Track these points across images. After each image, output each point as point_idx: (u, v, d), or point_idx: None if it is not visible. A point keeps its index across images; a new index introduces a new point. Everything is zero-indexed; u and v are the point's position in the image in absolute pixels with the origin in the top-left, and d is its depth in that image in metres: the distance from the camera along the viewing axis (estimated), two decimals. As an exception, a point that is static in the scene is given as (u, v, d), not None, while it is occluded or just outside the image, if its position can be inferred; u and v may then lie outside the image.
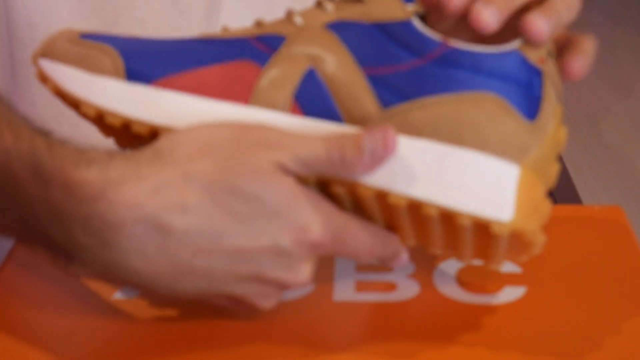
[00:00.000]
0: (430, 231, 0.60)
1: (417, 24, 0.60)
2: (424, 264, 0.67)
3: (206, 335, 0.60)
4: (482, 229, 0.58)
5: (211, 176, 0.56)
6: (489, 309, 0.63)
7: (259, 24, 0.62)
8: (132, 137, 0.61)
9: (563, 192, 1.18)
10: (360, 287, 0.65)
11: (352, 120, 0.59)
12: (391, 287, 0.65)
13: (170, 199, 0.55)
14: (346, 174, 0.58)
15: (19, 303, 0.64)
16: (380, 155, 0.57)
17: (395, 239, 0.61)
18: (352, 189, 0.58)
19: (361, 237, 0.59)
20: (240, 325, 0.61)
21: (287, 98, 0.60)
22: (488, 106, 0.58)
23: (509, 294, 0.64)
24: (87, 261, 0.56)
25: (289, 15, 0.62)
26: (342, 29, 0.61)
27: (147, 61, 0.60)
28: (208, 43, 0.61)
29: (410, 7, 0.61)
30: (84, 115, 0.61)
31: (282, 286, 0.58)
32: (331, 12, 0.61)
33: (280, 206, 0.56)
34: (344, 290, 0.65)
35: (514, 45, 0.59)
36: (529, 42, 0.59)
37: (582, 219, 0.69)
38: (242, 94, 0.60)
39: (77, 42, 0.62)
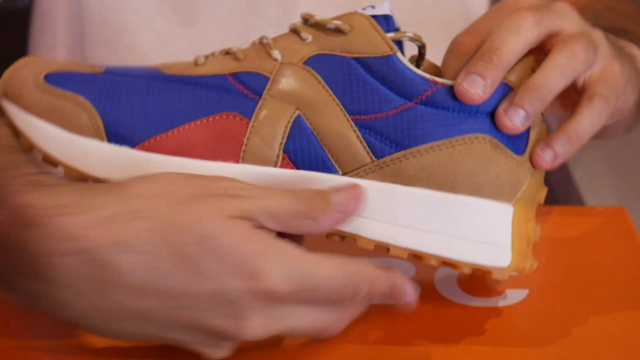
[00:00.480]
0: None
1: (401, 59, 0.59)
2: (425, 266, 0.66)
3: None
4: (482, 272, 0.60)
5: (162, 214, 0.53)
6: (491, 312, 0.62)
7: (234, 55, 0.61)
8: None
9: (566, 193, 1.18)
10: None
11: (346, 170, 0.59)
12: (392, 289, 0.64)
13: (113, 234, 0.52)
14: (314, 229, 0.56)
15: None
16: (348, 211, 0.56)
17: (391, 272, 0.57)
18: (353, 240, 0.59)
19: (339, 278, 0.55)
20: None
21: (277, 152, 0.59)
22: (480, 149, 0.59)
23: (512, 297, 0.64)
24: (21, 290, 0.54)
25: (266, 46, 0.60)
26: (323, 67, 0.60)
27: (127, 121, 0.59)
28: (185, 86, 0.59)
29: (392, 35, 0.60)
30: (66, 174, 0.59)
31: (227, 337, 0.54)
32: (310, 42, 0.60)
33: (232, 249, 0.52)
34: (344, 293, 0.64)
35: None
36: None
37: (585, 220, 0.68)
38: (232, 153, 0.59)
39: (46, 88, 0.59)
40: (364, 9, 0.61)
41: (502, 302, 0.63)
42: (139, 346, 0.59)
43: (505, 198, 0.59)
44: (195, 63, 0.61)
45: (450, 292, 0.64)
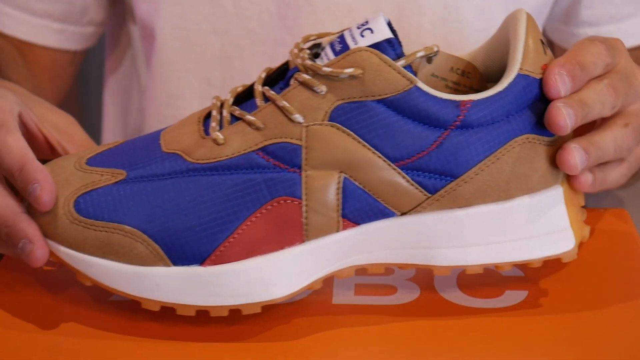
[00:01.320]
0: None
1: (423, 88, 0.58)
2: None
3: (205, 337, 0.60)
4: (551, 260, 0.62)
5: None
6: (490, 313, 0.62)
7: (253, 125, 0.59)
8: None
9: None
10: (360, 290, 0.64)
11: (404, 211, 0.60)
12: (391, 290, 0.64)
13: None
14: None
15: (17, 303, 0.63)
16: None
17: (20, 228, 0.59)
18: (430, 271, 0.61)
19: None
20: (239, 326, 0.61)
21: (337, 219, 0.59)
22: (522, 151, 0.60)
23: (511, 298, 0.63)
24: None
25: (284, 110, 0.59)
26: (349, 119, 0.59)
27: (185, 240, 0.58)
28: (220, 177, 0.58)
29: (403, 62, 0.58)
30: (145, 307, 0.59)
31: None
32: (325, 94, 0.59)
33: None
34: (343, 294, 0.64)
35: (515, 68, 0.59)
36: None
37: (586, 221, 0.68)
38: (296, 236, 0.59)
39: (82, 222, 0.58)
40: (359, 27, 0.59)
41: (501, 303, 0.63)
42: (137, 347, 0.59)
43: (553, 182, 0.61)
44: (216, 142, 0.59)
45: (450, 293, 0.64)
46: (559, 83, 0.60)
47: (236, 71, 0.90)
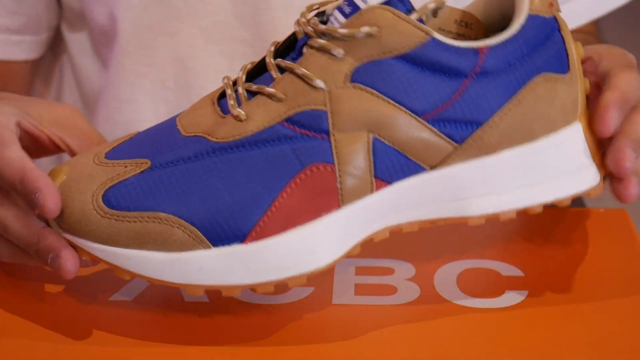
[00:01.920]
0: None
1: (440, 39, 0.59)
2: (425, 267, 0.67)
3: (205, 337, 0.60)
4: (580, 196, 0.63)
5: None
6: (490, 313, 0.62)
7: (275, 97, 0.59)
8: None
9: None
10: (360, 290, 0.64)
11: (433, 164, 0.60)
12: (391, 290, 0.64)
13: None
14: None
15: (16, 304, 0.63)
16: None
17: (50, 238, 0.59)
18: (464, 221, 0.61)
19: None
20: (239, 327, 0.61)
21: (371, 180, 0.59)
22: (541, 90, 0.61)
23: (511, 298, 0.63)
24: None
25: (304, 77, 0.59)
26: (371, 78, 0.58)
27: (223, 220, 0.57)
28: (249, 153, 0.58)
29: (417, 15, 0.59)
30: (189, 293, 0.58)
31: None
32: (343, 56, 0.59)
33: None
34: (344, 294, 0.64)
35: (525, 9, 0.60)
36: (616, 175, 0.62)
37: (586, 222, 0.68)
38: (333, 202, 0.58)
39: (114, 214, 0.57)
40: None
41: (501, 303, 0.63)
42: (137, 347, 0.59)
43: (573, 119, 0.62)
44: (238, 119, 0.59)
45: (449, 293, 0.64)
46: (615, 122, 0.62)
47: (190, 72, 0.89)
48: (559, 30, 0.62)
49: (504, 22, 0.63)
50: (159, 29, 0.88)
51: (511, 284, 0.65)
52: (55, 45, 0.95)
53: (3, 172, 0.60)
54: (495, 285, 0.65)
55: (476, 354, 0.59)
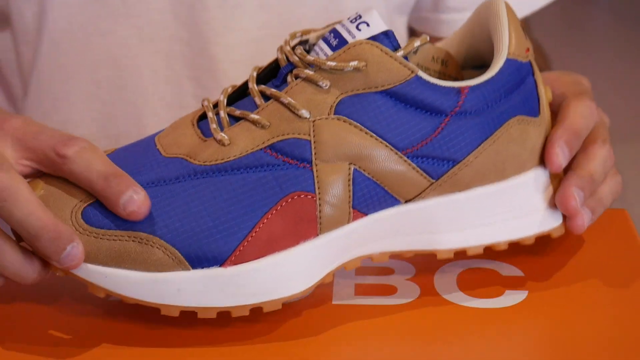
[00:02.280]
0: None
1: (424, 77, 0.60)
2: (425, 267, 0.67)
3: (205, 338, 0.60)
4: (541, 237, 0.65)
5: None
6: (490, 313, 0.62)
7: (259, 124, 0.59)
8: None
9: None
10: (360, 290, 0.64)
11: (408, 198, 0.61)
12: (391, 290, 0.64)
13: None
14: None
15: (16, 303, 0.63)
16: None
17: (60, 231, 0.57)
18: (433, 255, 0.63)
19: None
20: (239, 327, 0.61)
21: (349, 210, 0.60)
22: (515, 132, 0.62)
23: (511, 298, 0.63)
24: None
25: (289, 106, 0.59)
26: (354, 111, 0.59)
27: (203, 243, 0.57)
28: (231, 177, 0.58)
29: (402, 53, 0.60)
30: (164, 314, 0.58)
31: None
32: (329, 88, 0.59)
33: None
34: (344, 294, 0.64)
35: (504, 53, 0.61)
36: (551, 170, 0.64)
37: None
38: (311, 230, 0.59)
39: (93, 232, 0.57)
40: (353, 22, 0.60)
41: (501, 303, 0.63)
42: (136, 348, 0.59)
43: (541, 160, 0.64)
44: (221, 143, 0.59)
45: (449, 293, 0.64)
46: (560, 158, 0.64)
47: (125, 71, 0.89)
48: (533, 75, 0.64)
49: (476, 60, 0.65)
50: (92, 28, 0.87)
51: (511, 284, 0.65)
52: None
53: None
54: (495, 285, 0.65)
55: (476, 354, 0.59)
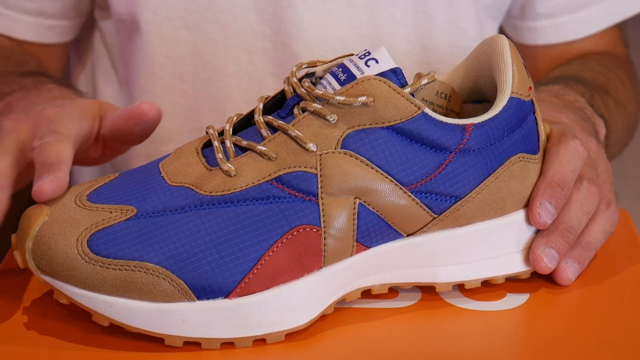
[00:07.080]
0: None
1: (430, 114, 0.60)
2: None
3: None
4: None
5: None
6: (492, 316, 0.62)
7: (265, 156, 0.59)
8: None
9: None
10: (362, 293, 0.64)
11: (410, 232, 0.61)
12: (393, 293, 0.64)
13: None
14: None
15: (16, 304, 0.63)
16: None
17: None
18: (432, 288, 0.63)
19: None
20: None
21: (352, 244, 0.60)
22: (516, 169, 0.63)
23: (512, 301, 0.64)
24: None
25: (297, 139, 0.59)
26: (361, 146, 0.59)
27: (209, 274, 0.57)
28: (237, 208, 0.58)
29: (409, 90, 0.60)
30: (168, 344, 0.58)
31: None
32: (336, 122, 0.60)
33: None
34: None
35: (507, 92, 0.62)
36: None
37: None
38: (315, 263, 0.59)
39: (99, 261, 0.57)
40: (362, 57, 0.60)
41: (503, 306, 0.63)
42: (136, 348, 0.59)
43: None
44: (227, 174, 0.59)
45: (451, 296, 0.64)
46: (544, 216, 0.63)
47: (209, 66, 0.90)
48: (533, 113, 0.64)
49: (477, 95, 0.65)
50: (179, 22, 0.88)
51: (511, 286, 0.65)
52: (90, 28, 0.96)
53: None
54: (496, 288, 0.64)
55: (478, 356, 0.59)
